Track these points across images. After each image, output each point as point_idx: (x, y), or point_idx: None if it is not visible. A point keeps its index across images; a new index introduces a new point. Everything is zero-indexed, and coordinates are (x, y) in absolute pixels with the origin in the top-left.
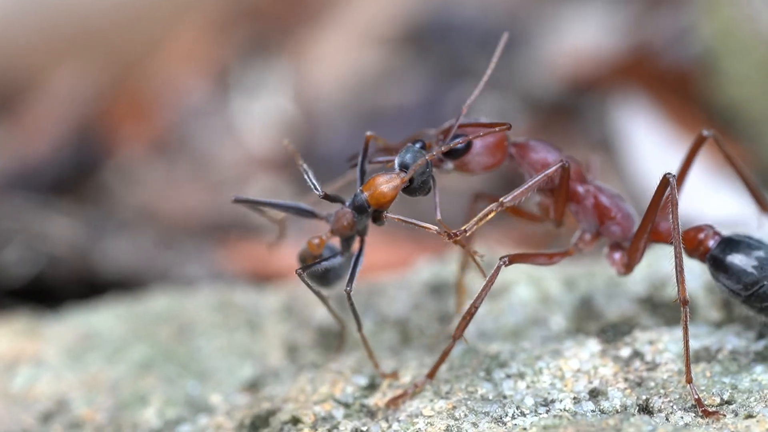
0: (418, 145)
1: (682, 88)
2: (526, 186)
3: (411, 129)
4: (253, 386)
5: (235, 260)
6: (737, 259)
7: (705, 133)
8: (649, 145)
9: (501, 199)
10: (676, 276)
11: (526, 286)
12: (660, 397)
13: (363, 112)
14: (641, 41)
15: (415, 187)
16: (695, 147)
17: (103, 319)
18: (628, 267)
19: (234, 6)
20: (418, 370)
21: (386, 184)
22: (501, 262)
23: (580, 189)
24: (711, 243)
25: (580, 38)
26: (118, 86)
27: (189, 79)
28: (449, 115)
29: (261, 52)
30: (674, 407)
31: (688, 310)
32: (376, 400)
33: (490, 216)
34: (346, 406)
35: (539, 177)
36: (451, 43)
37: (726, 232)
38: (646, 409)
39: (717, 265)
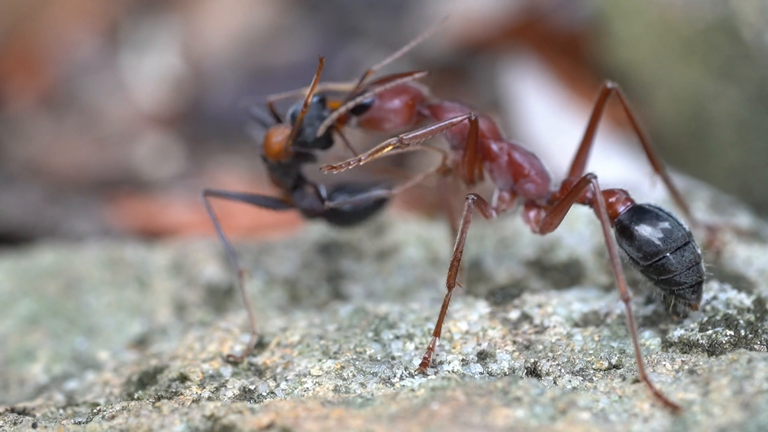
0: (314, 99)
1: (572, 50)
2: (428, 129)
3: (300, 87)
4: (141, 343)
5: (123, 216)
6: (642, 229)
7: (609, 85)
8: (539, 106)
9: (401, 136)
10: (615, 278)
11: (415, 246)
12: (548, 360)
13: (252, 69)
14: (531, 3)
15: (306, 139)
16: (601, 100)
17: None
18: (543, 228)
19: None
20: (306, 330)
21: (274, 137)
22: (470, 200)
23: (494, 146)
24: (621, 208)
25: None
26: (7, 40)
27: (78, 34)
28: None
29: (150, 8)
30: (562, 371)
31: (632, 306)
32: (264, 358)
33: (386, 150)
34: (234, 364)
35: (443, 123)
36: (340, 2)
37: (640, 200)
38: (534, 372)
39: (622, 231)
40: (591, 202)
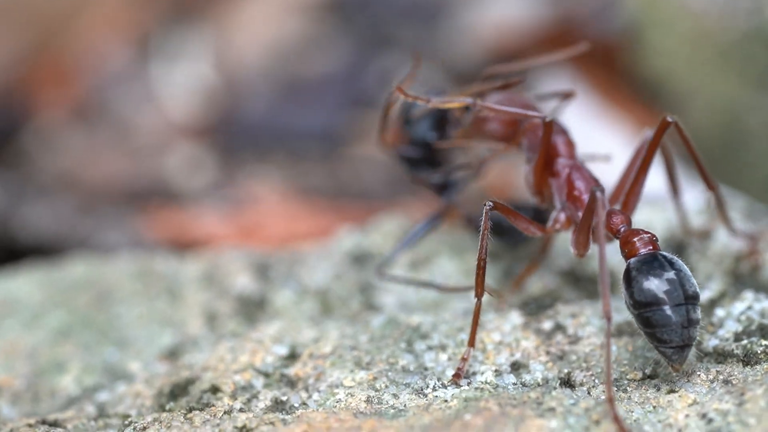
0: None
1: (606, 61)
2: (506, 108)
3: (333, 98)
4: (172, 354)
5: (155, 228)
6: (641, 275)
7: (669, 119)
8: (573, 117)
9: (476, 100)
10: (599, 289)
11: (448, 257)
12: (582, 371)
13: (285, 80)
14: (566, 12)
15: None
16: (659, 133)
17: (21, 285)
18: (576, 249)
19: None
20: (338, 341)
21: None
22: (487, 207)
23: (561, 161)
24: (642, 251)
25: (505, 9)
26: (39, 51)
27: (110, 44)
28: (372, 85)
29: (183, 18)
30: (596, 381)
31: (610, 324)
32: (296, 369)
33: (458, 104)
34: (266, 375)
35: (521, 111)
36: (373, 12)
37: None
38: (567, 382)
39: (625, 272)
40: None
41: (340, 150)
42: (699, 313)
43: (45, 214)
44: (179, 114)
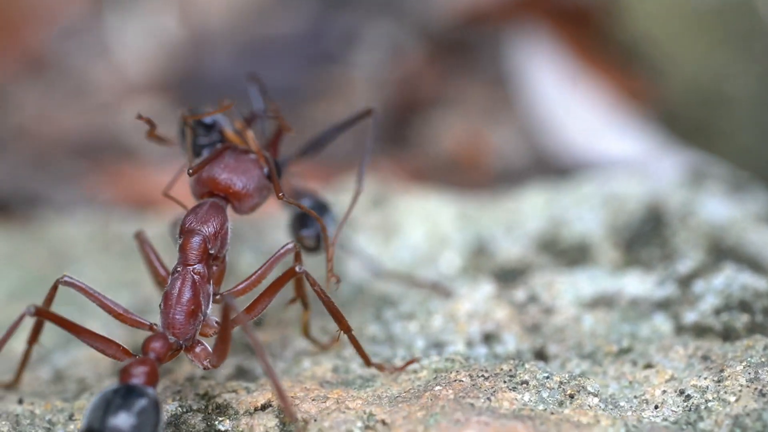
0: None
1: (583, 23)
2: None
3: (296, 57)
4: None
5: (111, 186)
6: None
7: (298, 270)
8: (548, 81)
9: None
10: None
11: (418, 223)
12: (556, 343)
13: (248, 38)
14: None
15: None
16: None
17: None
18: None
19: None
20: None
21: None
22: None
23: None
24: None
25: None
26: None
27: None
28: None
29: None
30: (571, 354)
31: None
32: (261, 336)
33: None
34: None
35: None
36: None
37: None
38: (541, 355)
39: None
40: None
41: (303, 108)
42: None
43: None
44: (138, 68)
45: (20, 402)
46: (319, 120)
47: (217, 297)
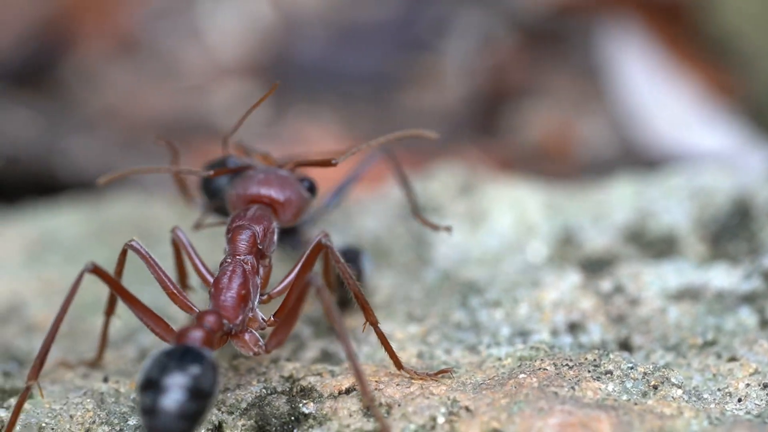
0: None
1: (674, 17)
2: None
3: (387, 43)
4: None
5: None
6: None
7: (323, 242)
8: (640, 72)
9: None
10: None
11: (506, 211)
12: (641, 334)
13: (340, 23)
14: None
15: None
16: (313, 251)
17: (62, 220)
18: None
19: None
20: (390, 292)
21: None
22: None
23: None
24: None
25: None
26: None
27: None
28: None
29: None
30: (655, 345)
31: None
32: (347, 320)
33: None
34: (315, 324)
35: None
36: None
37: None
38: (626, 345)
39: None
40: None
41: (393, 95)
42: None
43: (86, 149)
44: (229, 51)
45: (105, 380)
46: (408, 107)
47: (264, 297)
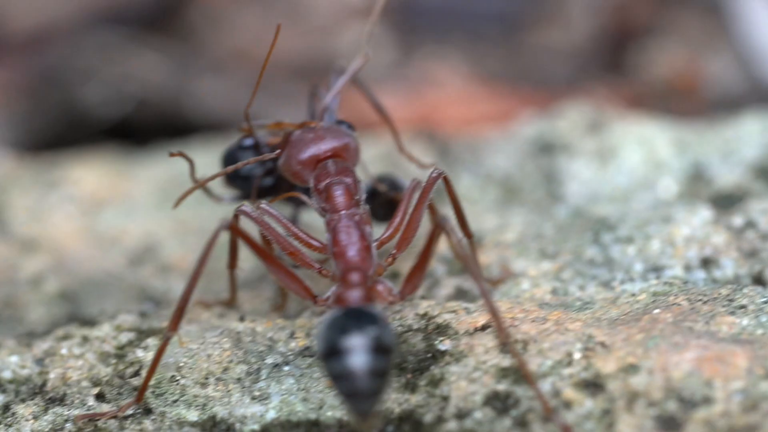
0: None
1: None
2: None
3: None
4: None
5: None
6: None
7: (435, 173)
8: (765, 8)
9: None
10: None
11: (635, 149)
12: None
13: None
14: None
15: None
16: (429, 184)
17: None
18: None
19: None
20: (522, 230)
21: None
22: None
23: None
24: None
25: None
26: None
27: None
28: None
29: None
30: None
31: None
32: (480, 257)
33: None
34: (449, 262)
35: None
36: None
37: None
38: (759, 280)
39: None
40: None
41: (520, 35)
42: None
43: (215, 91)
44: None
45: (241, 319)
46: (534, 46)
47: (375, 243)
